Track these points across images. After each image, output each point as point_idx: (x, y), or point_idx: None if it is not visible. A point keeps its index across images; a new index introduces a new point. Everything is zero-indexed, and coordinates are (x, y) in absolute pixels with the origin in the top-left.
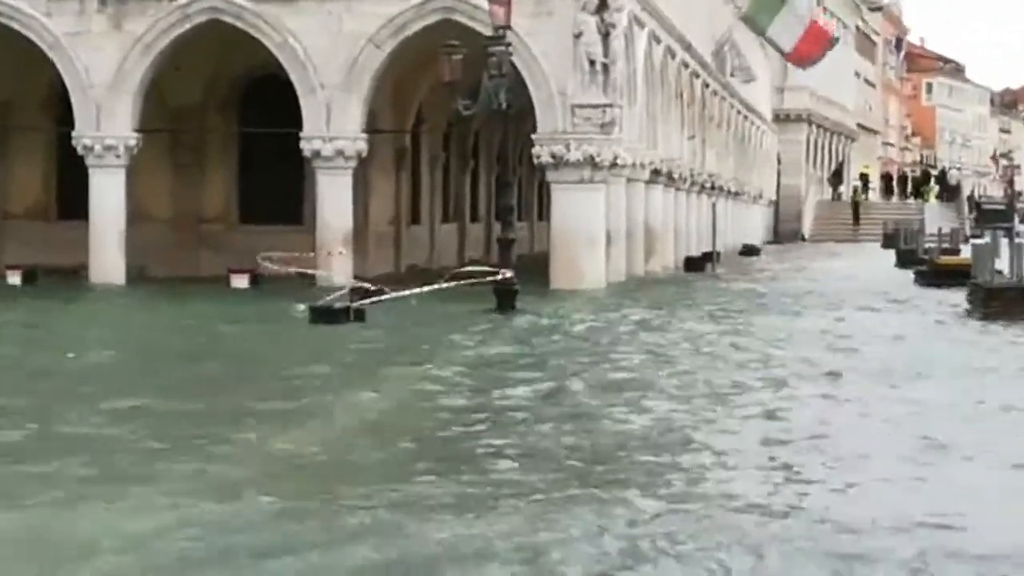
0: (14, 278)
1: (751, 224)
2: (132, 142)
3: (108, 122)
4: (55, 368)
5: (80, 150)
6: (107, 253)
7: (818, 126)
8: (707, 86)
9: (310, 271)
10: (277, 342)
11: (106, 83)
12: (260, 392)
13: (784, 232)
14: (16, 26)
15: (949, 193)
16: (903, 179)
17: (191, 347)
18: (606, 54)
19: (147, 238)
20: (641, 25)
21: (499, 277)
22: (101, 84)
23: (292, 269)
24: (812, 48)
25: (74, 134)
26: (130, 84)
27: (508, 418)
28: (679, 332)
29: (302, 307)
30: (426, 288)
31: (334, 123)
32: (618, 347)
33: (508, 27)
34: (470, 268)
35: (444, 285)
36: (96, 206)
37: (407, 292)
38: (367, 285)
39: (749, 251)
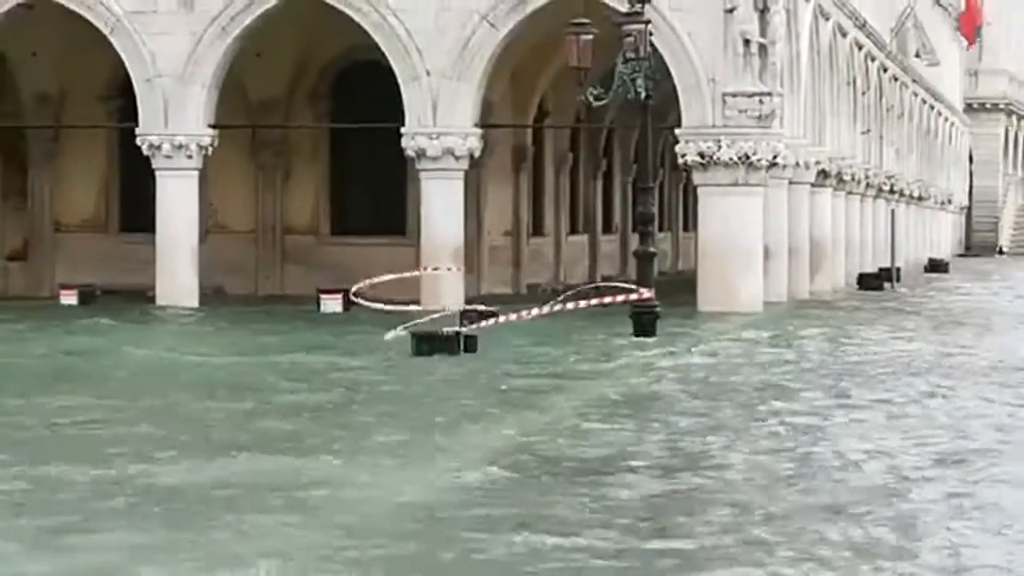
0: (69, 299)
1: (938, 235)
2: (206, 140)
3: (178, 117)
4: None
5: (146, 150)
6: (177, 271)
7: (1019, 117)
8: (885, 70)
9: (410, 307)
10: (356, 383)
11: (175, 72)
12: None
13: (978, 243)
14: (71, 5)
15: None
16: None
17: (260, 386)
18: (764, 33)
19: (224, 253)
20: None
21: (636, 297)
22: (170, 73)
23: (391, 307)
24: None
25: (138, 131)
26: (203, 73)
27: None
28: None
29: (393, 335)
30: (544, 308)
31: (442, 116)
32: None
33: (647, 1)
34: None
35: (563, 305)
36: (164, 216)
37: (525, 314)
38: (480, 308)
39: (936, 267)
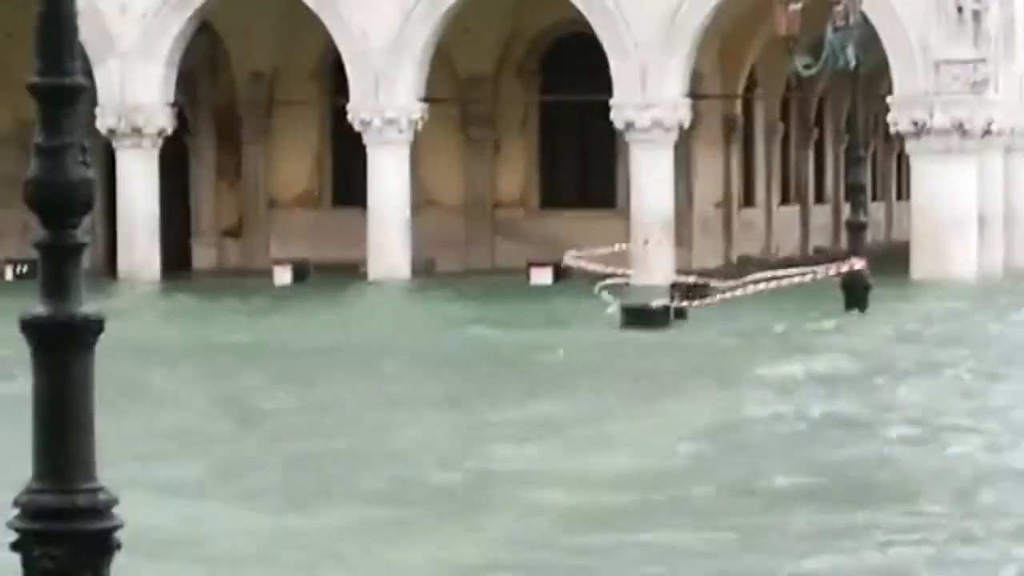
0: (283, 275)
1: None
2: (416, 114)
3: (388, 92)
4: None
5: (357, 125)
6: (389, 245)
7: None
8: None
9: (622, 272)
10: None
11: (386, 47)
12: None
13: None
14: None
15: None
16: None
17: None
18: None
19: (435, 227)
20: None
21: (846, 268)
22: (380, 48)
23: (605, 268)
24: None
25: (349, 107)
26: (413, 48)
27: None
28: None
29: (611, 300)
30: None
31: (650, 88)
32: None
33: None
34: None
35: (774, 275)
36: (375, 190)
37: (737, 286)
38: (691, 280)
39: None
